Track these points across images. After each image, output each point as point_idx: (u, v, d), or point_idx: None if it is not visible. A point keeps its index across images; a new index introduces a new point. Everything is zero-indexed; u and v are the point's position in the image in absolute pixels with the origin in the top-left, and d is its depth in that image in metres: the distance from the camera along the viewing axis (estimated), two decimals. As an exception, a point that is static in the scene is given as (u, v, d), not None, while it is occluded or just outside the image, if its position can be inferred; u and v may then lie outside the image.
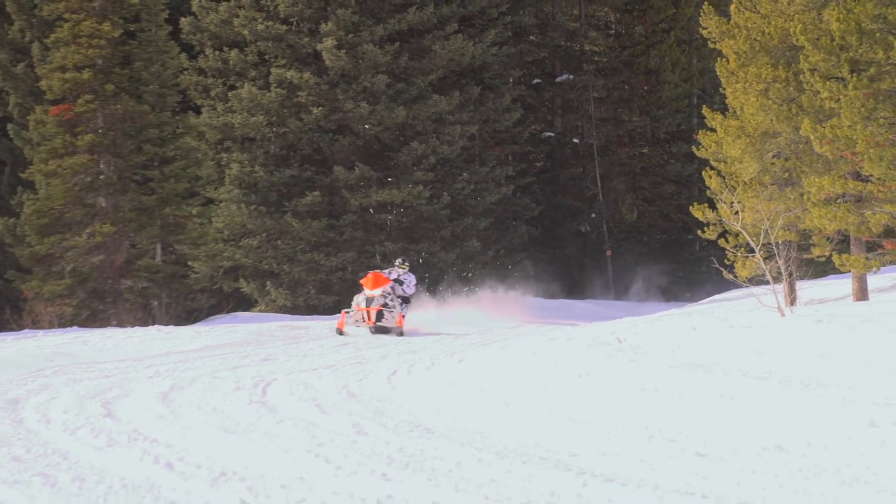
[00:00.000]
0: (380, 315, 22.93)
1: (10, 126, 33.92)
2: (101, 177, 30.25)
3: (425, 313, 27.72)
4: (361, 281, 24.07)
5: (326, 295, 33.57)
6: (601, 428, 10.09)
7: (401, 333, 22.77)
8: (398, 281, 23.87)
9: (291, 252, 33.99)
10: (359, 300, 23.34)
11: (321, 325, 25.44)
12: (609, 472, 8.34)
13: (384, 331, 23.03)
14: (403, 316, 23.23)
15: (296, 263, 33.72)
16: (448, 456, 9.16)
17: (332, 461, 9.08)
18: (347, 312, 23.37)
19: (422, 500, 7.77)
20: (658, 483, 7.98)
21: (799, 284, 20.92)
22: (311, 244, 33.92)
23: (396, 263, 24.58)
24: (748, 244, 18.32)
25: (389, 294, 23.27)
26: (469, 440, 9.87)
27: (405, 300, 23.83)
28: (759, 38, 18.77)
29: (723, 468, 8.35)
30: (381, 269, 27.04)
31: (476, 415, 11.27)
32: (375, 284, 23.40)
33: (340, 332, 22.81)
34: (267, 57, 35.14)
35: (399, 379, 14.41)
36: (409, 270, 24.58)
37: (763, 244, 17.82)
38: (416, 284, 24.80)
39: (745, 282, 19.23)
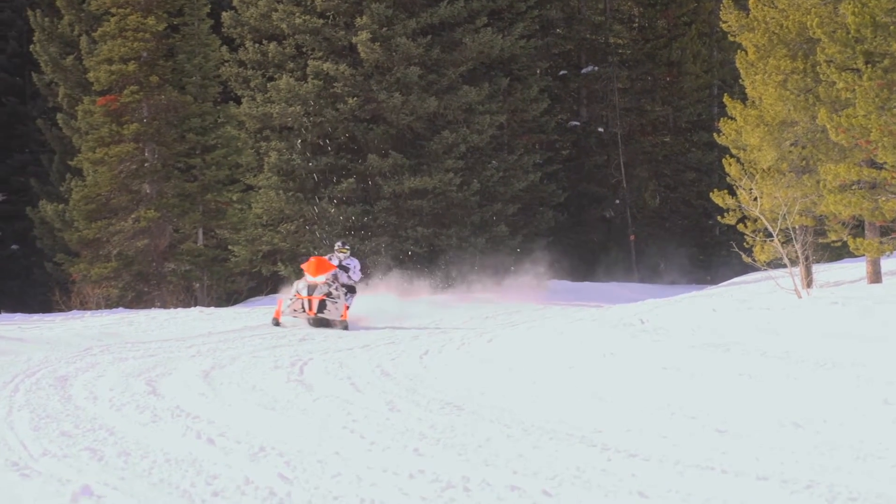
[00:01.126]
0: (322, 305, 20.25)
1: (59, 116, 34.57)
2: (146, 164, 30.81)
3: (457, 302, 28.16)
4: (303, 266, 21.42)
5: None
6: (624, 405, 10.32)
7: (345, 327, 20.13)
8: (343, 267, 21.47)
9: (327, 237, 34.41)
10: (299, 287, 20.69)
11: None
12: (632, 448, 8.50)
13: (325, 324, 20.38)
14: (348, 307, 20.60)
15: (331, 248, 34.16)
16: (477, 432, 9.29)
17: (366, 437, 9.21)
18: (285, 300, 20.95)
19: (452, 475, 7.82)
20: (679, 458, 8.12)
21: (815, 268, 20.61)
22: (346, 229, 34.27)
23: (336, 247, 21.99)
24: (766, 229, 18.45)
25: (334, 283, 20.67)
26: (498, 417, 10.02)
27: (351, 289, 21.46)
28: (777, 32, 18.71)
29: (741, 444, 8.50)
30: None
31: (504, 393, 11.47)
32: (318, 270, 20.75)
33: (277, 323, 20.48)
34: (304, 49, 35.31)
35: (430, 358, 14.59)
36: (352, 255, 22.52)
37: (780, 229, 18.06)
38: (361, 269, 22.68)
39: (763, 265, 19.36)
